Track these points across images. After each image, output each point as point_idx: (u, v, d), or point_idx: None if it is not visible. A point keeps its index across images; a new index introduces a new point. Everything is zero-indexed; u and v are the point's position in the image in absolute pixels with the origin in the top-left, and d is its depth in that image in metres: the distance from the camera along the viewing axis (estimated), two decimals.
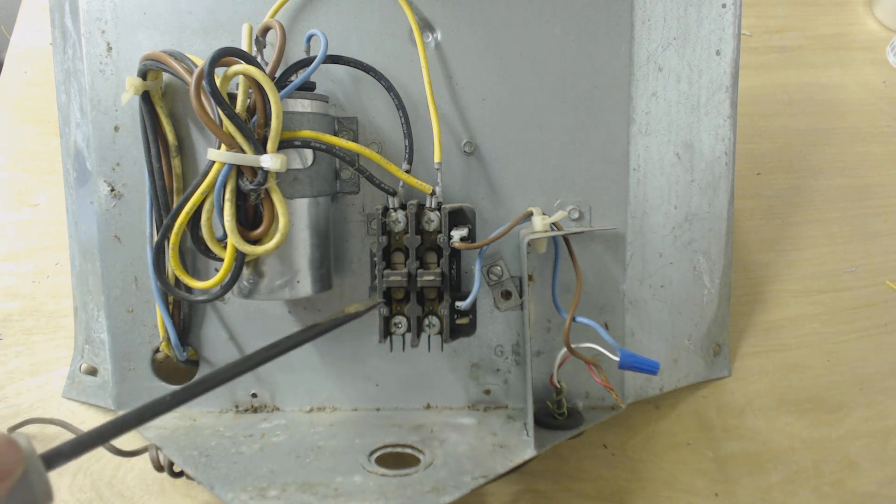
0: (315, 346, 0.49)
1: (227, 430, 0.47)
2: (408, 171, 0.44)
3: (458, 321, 0.45)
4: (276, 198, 0.41)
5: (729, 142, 0.50)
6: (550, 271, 0.47)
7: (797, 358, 0.55)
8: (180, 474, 0.45)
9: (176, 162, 0.46)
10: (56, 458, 0.26)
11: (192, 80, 0.38)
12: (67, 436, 0.48)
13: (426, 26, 0.47)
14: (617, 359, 0.42)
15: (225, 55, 0.39)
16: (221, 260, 0.41)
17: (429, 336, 0.44)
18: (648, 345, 0.51)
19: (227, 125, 0.39)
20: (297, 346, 0.34)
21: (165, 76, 0.46)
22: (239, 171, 0.40)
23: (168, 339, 0.48)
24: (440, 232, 0.43)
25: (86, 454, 0.27)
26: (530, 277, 0.48)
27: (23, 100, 0.64)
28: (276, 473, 0.42)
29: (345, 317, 0.37)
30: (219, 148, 0.40)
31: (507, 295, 0.49)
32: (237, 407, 0.50)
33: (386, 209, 0.43)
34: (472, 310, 0.47)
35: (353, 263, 0.49)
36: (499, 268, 0.48)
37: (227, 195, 0.40)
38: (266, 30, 0.45)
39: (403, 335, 0.44)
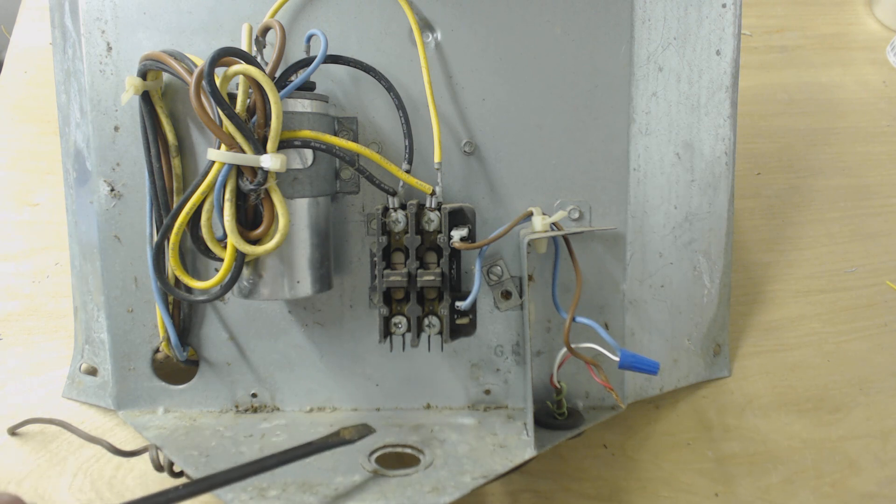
0: (315, 345, 0.49)
1: (227, 430, 0.47)
2: (408, 171, 0.44)
3: (458, 321, 0.45)
4: (276, 198, 0.41)
5: (729, 142, 0.50)
6: (550, 271, 0.47)
7: (797, 358, 0.55)
8: (180, 474, 0.45)
9: (176, 162, 0.46)
10: None
11: (192, 80, 0.38)
12: (67, 435, 0.49)
13: (426, 26, 0.47)
14: (617, 359, 0.42)
15: (225, 55, 0.39)
16: (221, 260, 0.41)
17: (429, 336, 0.44)
18: (648, 345, 0.51)
19: (227, 125, 0.39)
20: (289, 463, 0.38)
21: (165, 76, 0.46)
22: (239, 171, 0.40)
23: (168, 339, 0.48)
24: (440, 232, 0.43)
25: None
26: (530, 277, 0.48)
27: (23, 100, 0.64)
28: (276, 473, 0.41)
29: (339, 440, 0.40)
30: (219, 148, 0.40)
31: (507, 295, 0.49)
32: (237, 407, 0.50)
33: (386, 209, 0.43)
34: (472, 310, 0.47)
35: (353, 263, 0.49)
36: (499, 268, 0.48)
37: (227, 195, 0.40)
38: (266, 30, 0.45)
39: (403, 335, 0.44)
